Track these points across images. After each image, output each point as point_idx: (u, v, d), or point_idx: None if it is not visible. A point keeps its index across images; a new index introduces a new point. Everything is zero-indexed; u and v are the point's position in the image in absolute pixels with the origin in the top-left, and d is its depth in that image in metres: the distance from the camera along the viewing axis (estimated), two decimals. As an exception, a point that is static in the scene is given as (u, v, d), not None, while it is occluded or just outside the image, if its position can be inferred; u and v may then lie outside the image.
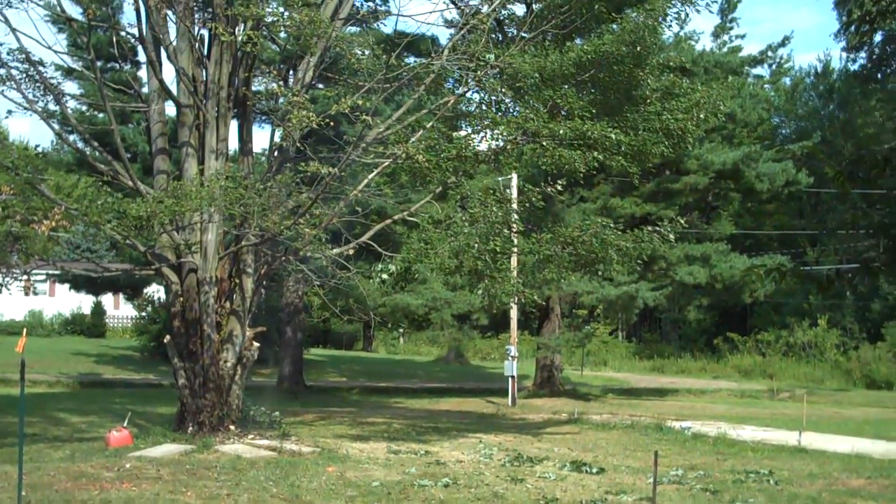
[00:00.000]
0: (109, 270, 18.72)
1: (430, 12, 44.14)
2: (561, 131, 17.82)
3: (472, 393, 35.28)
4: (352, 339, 62.89)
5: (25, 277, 17.25)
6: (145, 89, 20.00)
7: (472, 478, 14.18)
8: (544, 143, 17.98)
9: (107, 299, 53.05)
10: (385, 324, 54.41)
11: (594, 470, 15.39)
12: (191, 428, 17.15)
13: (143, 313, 44.66)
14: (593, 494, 13.12)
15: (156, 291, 44.49)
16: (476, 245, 17.55)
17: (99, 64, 20.98)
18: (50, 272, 36.26)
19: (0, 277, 16.19)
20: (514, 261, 32.15)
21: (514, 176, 32.65)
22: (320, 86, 30.21)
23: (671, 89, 20.08)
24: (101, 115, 31.23)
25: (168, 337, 18.06)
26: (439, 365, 50.27)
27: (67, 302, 51.90)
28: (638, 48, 18.90)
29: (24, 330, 11.17)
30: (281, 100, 18.98)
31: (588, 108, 18.42)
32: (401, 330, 63.40)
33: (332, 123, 16.73)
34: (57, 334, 49.31)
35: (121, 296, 52.35)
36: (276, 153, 19.44)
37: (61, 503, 11.25)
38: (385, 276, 18.46)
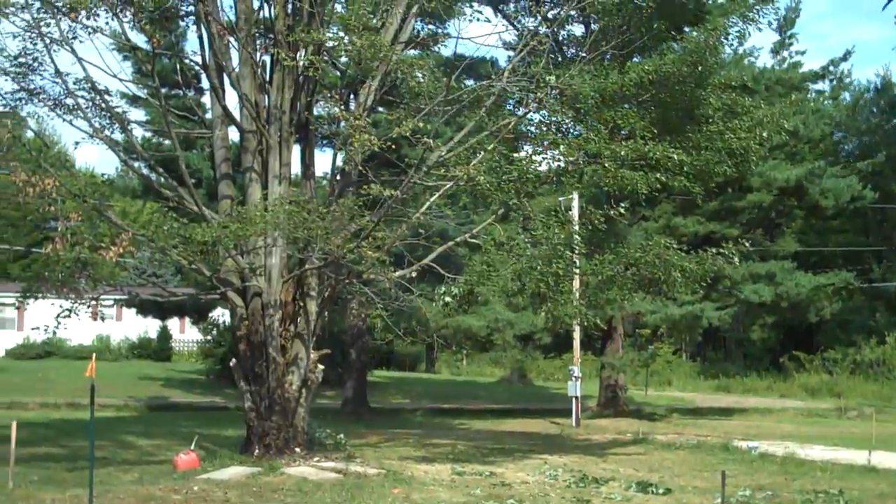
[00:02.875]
0: (176, 295, 18.99)
1: (489, 34, 44.25)
2: (622, 152, 17.77)
3: (535, 414, 35.17)
4: (415, 360, 62.99)
5: (94, 303, 17.52)
6: (209, 115, 20.27)
7: (538, 499, 14.16)
8: (606, 164, 17.95)
9: (172, 323, 53.74)
10: (448, 345, 54.49)
11: (660, 490, 15.29)
12: (257, 450, 17.29)
13: (209, 337, 45.18)
14: (658, 516, 13.06)
15: (221, 315, 44.92)
16: (539, 267, 17.54)
17: (163, 91, 21.30)
18: (117, 297, 36.75)
19: (69, 303, 16.44)
20: (576, 282, 32.19)
21: (576, 196, 32.61)
22: (381, 109, 30.45)
23: (733, 108, 19.92)
24: (166, 142, 31.68)
25: (234, 360, 18.25)
26: (502, 386, 50.15)
27: (134, 326, 52.64)
28: (699, 67, 18.82)
29: (94, 355, 11.36)
30: (342, 124, 19.12)
31: (650, 128, 18.35)
32: (463, 351, 63.40)
33: (393, 147, 16.80)
34: (124, 358, 50.03)
35: (186, 320, 52.95)
36: (338, 177, 19.58)
37: (132, 525, 11.42)
38: (448, 298, 18.44)
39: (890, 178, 54.47)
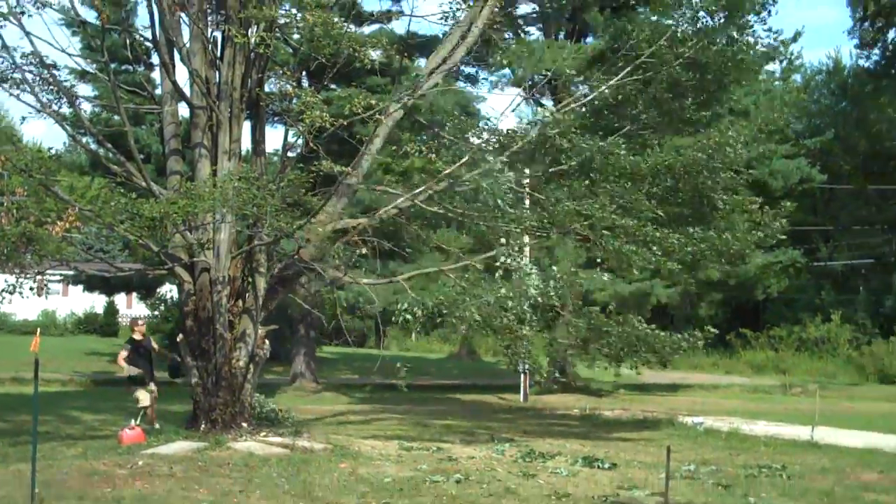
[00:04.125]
0: (123, 270, 18.84)
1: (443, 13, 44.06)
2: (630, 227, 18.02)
3: (484, 390, 35.34)
4: (364, 336, 62.93)
5: (39, 278, 17.34)
6: (158, 91, 20.13)
7: (484, 474, 14.25)
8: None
9: (119, 299, 53.30)
10: (397, 322, 54.38)
11: (606, 465, 15.44)
12: (203, 426, 17.25)
13: (156, 312, 44.88)
14: (605, 490, 13.19)
15: (168, 291, 44.64)
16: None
17: (113, 66, 21.10)
18: (63, 273, 36.38)
19: (14, 279, 16.24)
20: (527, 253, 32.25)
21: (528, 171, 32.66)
22: (334, 87, 30.34)
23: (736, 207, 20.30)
24: (115, 117, 31.31)
25: (181, 336, 18.18)
26: (451, 362, 50.30)
27: (80, 302, 52.19)
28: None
29: (38, 329, 11.27)
30: (294, 101, 19.06)
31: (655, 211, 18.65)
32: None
33: (346, 124, 16.79)
34: (70, 334, 49.67)
35: (134, 295, 52.57)
36: (288, 153, 19.54)
37: (74, 500, 11.34)
38: (409, 317, 18.41)
39: (839, 158, 55.15)
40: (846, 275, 58.69)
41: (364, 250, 19.13)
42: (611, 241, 17.83)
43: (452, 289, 17.66)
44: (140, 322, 20.23)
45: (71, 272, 18.47)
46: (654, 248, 18.11)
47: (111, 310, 51.80)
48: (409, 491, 12.66)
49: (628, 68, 19.04)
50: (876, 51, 51.56)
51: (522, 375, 30.87)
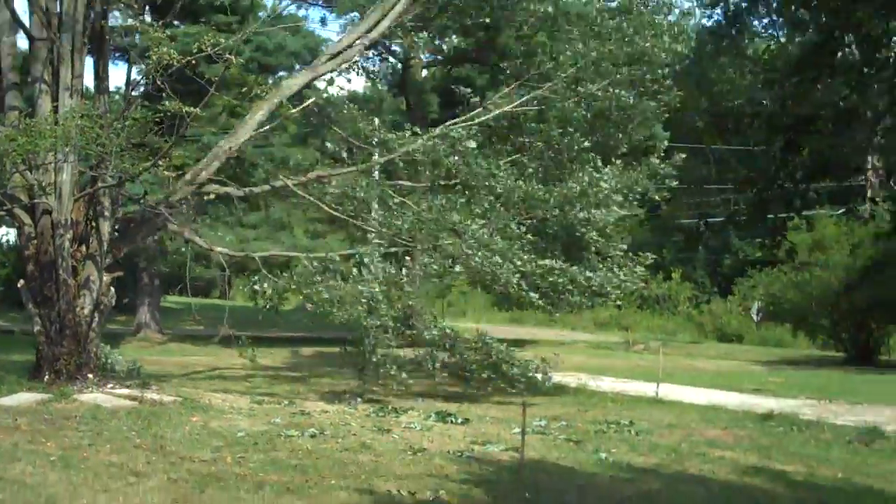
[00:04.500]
0: (-43, 211, 17.85)
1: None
2: None
3: (333, 343, 34.97)
4: (209, 286, 61.77)
5: None
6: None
7: (339, 428, 14.05)
8: None
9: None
10: (243, 271, 53.47)
11: (459, 420, 15.45)
12: (47, 376, 16.51)
13: (-10, 256, 43.02)
14: (459, 444, 13.10)
15: (4, 234, 42.82)
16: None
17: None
18: None
19: None
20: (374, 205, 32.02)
21: (376, 120, 32.36)
22: (178, 23, 29.42)
23: None
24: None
25: (22, 282, 17.33)
26: (300, 313, 49.72)
27: None
28: None
29: None
30: (138, 36, 18.27)
31: None
32: (257, 278, 62.57)
33: (193, 62, 16.17)
34: None
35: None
36: (133, 92, 18.85)
37: None
38: (261, 298, 18.29)
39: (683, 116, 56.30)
40: (687, 234, 60.26)
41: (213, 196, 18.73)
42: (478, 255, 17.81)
43: (307, 269, 17.55)
44: None
45: None
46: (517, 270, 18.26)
47: (-63, 253, 49.21)
48: (263, 445, 12.35)
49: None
50: (718, 10, 52.62)
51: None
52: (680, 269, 52.25)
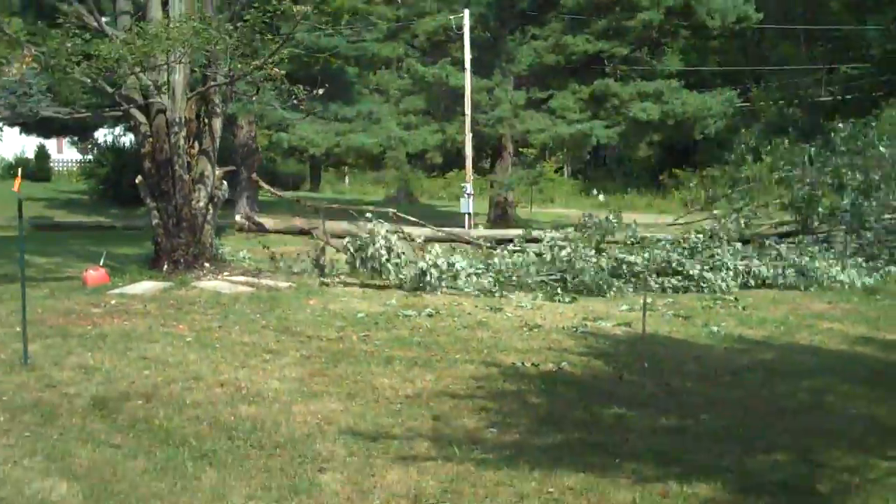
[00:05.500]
0: (81, 112, 18.43)
1: None
2: None
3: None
4: (299, 179, 62.76)
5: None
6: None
7: (452, 308, 14.54)
8: None
9: (49, 144, 52.02)
10: (334, 164, 54.26)
11: (567, 299, 15.84)
12: (166, 266, 17.25)
13: (89, 157, 44.07)
14: (572, 321, 13.55)
15: (105, 135, 43.79)
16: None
17: None
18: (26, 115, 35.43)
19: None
20: (467, 97, 32.30)
21: (467, 13, 32.47)
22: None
23: None
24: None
25: (139, 178, 17.98)
26: (390, 204, 50.39)
27: (7, 147, 50.89)
28: None
29: (19, 170, 11.14)
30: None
31: None
32: (346, 170, 63.42)
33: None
34: (1, 179, 48.57)
35: (64, 140, 51.39)
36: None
37: (58, 337, 11.41)
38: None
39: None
40: (777, 116, 59.33)
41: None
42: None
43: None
44: None
45: (31, 115, 17.88)
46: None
47: (42, 154, 50.54)
48: (384, 324, 12.91)
49: None
50: None
51: (467, 216, 31.21)
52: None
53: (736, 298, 15.88)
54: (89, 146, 43.76)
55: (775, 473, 6.89)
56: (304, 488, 6.42)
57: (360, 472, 6.76)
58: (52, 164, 51.89)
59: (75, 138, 47.52)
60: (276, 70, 16.42)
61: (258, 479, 6.58)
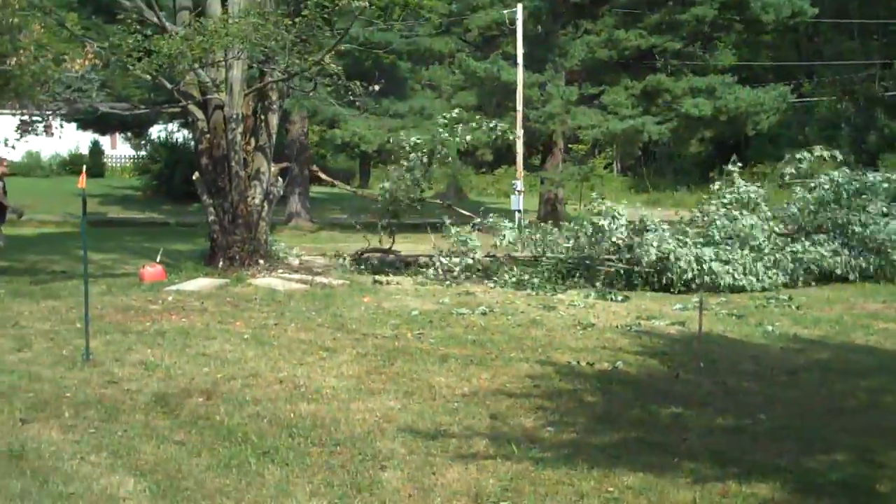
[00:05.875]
0: (139, 108, 18.68)
1: None
2: None
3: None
4: (348, 175, 62.94)
5: (49, 116, 17.24)
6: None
7: (506, 306, 14.61)
8: None
9: (103, 140, 52.49)
10: (384, 161, 54.26)
11: (619, 298, 15.83)
12: (221, 263, 17.46)
13: (142, 153, 44.50)
14: (625, 320, 13.55)
15: (159, 131, 44.19)
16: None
17: None
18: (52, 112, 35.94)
19: (27, 117, 16.16)
20: (519, 93, 32.25)
21: (520, 8, 32.41)
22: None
23: None
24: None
25: (196, 174, 18.19)
26: (440, 200, 50.39)
27: (62, 143, 51.45)
28: None
29: (84, 167, 11.31)
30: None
31: None
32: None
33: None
34: (56, 175, 49.16)
35: (118, 136, 51.86)
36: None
37: (118, 333, 11.61)
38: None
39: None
40: (830, 111, 58.75)
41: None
42: None
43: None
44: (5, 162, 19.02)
45: (92, 110, 18.16)
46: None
47: (96, 150, 51.07)
48: (438, 322, 13.00)
49: None
50: None
51: (517, 213, 31.14)
52: (823, 147, 51.09)
53: (790, 297, 15.79)
54: (143, 142, 44.17)
55: (834, 473, 6.87)
56: (365, 486, 6.49)
57: (420, 470, 6.83)
58: (105, 160, 52.41)
59: (129, 134, 47.92)
60: (334, 66, 16.55)
61: (320, 476, 6.67)
